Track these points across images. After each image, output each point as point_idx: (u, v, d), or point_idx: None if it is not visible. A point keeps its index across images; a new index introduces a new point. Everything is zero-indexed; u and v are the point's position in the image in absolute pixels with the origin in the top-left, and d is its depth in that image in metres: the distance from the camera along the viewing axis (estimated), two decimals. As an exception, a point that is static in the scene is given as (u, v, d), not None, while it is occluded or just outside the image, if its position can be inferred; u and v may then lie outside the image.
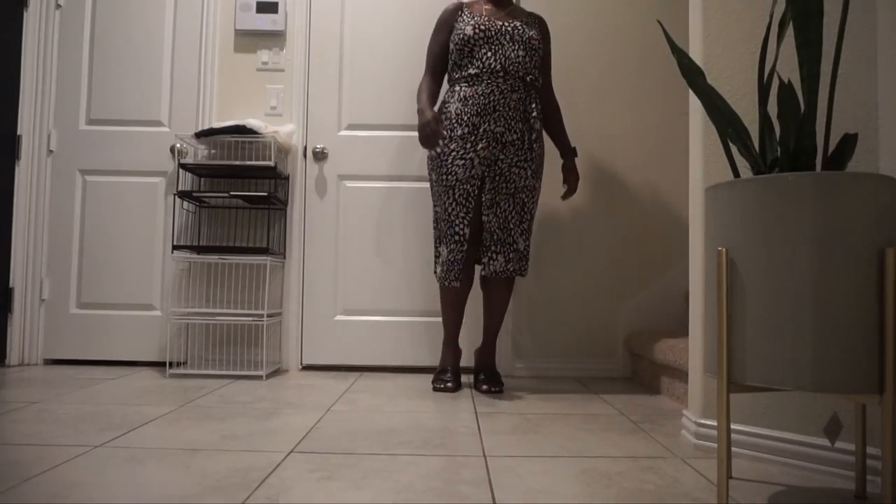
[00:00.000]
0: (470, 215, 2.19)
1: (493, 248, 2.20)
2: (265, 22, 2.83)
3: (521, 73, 2.22)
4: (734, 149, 1.53)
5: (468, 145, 2.19)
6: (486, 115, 2.19)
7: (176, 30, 2.88)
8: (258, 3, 2.83)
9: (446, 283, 2.22)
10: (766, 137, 1.17)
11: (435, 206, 2.31)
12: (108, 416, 1.79)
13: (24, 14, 2.84)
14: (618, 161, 2.83)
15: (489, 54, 2.20)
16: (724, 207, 1.11)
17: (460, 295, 2.31)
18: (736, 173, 1.20)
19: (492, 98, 2.19)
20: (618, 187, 2.82)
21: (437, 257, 2.30)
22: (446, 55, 2.34)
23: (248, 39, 2.88)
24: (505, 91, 2.20)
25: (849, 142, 1.12)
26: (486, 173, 2.20)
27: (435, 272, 2.30)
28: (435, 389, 2.29)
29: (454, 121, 2.22)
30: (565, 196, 2.44)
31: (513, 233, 2.21)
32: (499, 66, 2.19)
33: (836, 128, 1.39)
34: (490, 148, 2.18)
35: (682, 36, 2.58)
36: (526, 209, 2.24)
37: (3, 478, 1.24)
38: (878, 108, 1.36)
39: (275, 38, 2.87)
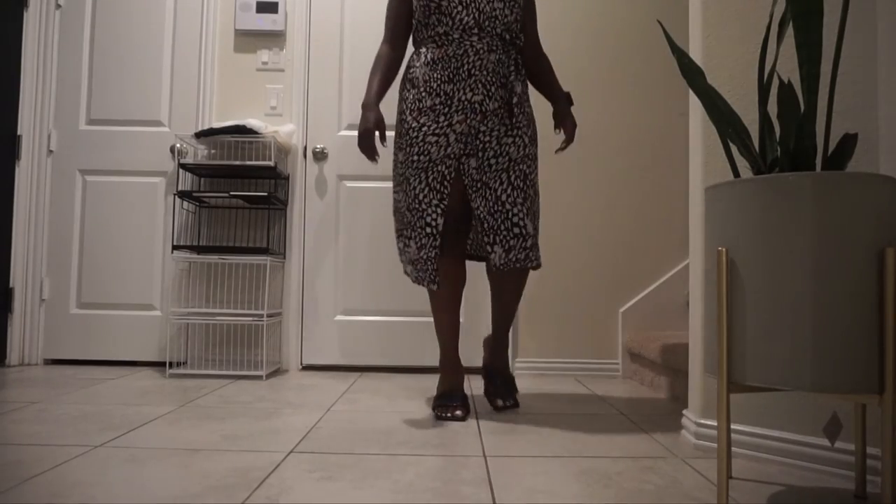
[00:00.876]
0: (444, 203, 1.81)
1: (486, 238, 1.83)
2: (265, 22, 2.83)
3: (499, 30, 1.85)
4: (734, 149, 1.53)
5: (441, 119, 1.81)
6: (460, 81, 1.82)
7: (176, 30, 2.88)
8: (258, 3, 2.83)
9: (424, 285, 1.87)
10: (766, 137, 1.17)
11: (396, 191, 1.94)
12: (108, 416, 1.79)
13: (24, 14, 2.84)
14: (618, 160, 2.83)
15: (459, 7, 1.83)
16: (724, 207, 1.11)
17: (452, 296, 1.93)
18: (736, 173, 1.20)
19: (465, 61, 1.82)
20: (618, 186, 2.82)
21: (401, 253, 1.93)
22: (410, 15, 1.95)
23: (248, 39, 2.88)
24: (481, 51, 1.83)
25: (849, 142, 1.12)
26: (463, 151, 1.82)
27: (406, 272, 1.94)
28: (438, 418, 1.84)
29: (422, 89, 1.85)
30: (561, 148, 2.02)
31: (511, 214, 1.81)
32: (472, 21, 1.82)
33: (836, 128, 1.39)
34: (468, 121, 1.81)
35: (682, 36, 2.58)
36: (529, 182, 1.86)
37: (3, 478, 1.24)
38: (878, 108, 1.36)
39: (275, 38, 2.87)
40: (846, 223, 0.99)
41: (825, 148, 1.13)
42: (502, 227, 1.82)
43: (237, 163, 2.59)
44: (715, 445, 1.51)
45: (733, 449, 1.47)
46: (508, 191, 1.82)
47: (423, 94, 1.85)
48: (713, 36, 1.57)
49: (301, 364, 2.81)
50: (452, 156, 1.82)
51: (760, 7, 1.51)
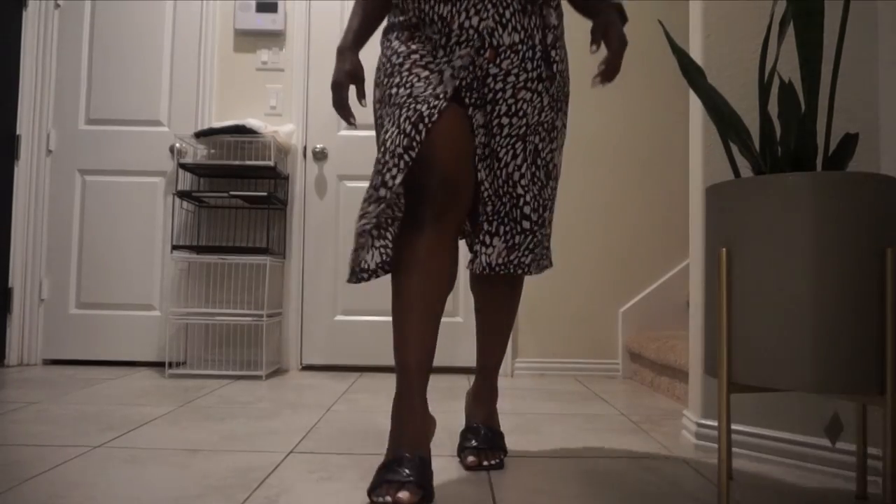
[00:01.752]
0: (411, 154, 1.19)
1: (487, 226, 1.31)
2: (265, 22, 2.83)
3: None
4: (734, 148, 1.53)
5: (440, 53, 1.27)
6: (459, 0, 1.25)
7: (175, 29, 2.88)
8: (258, 3, 2.83)
9: (351, 276, 1.23)
10: (767, 137, 1.17)
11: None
12: (107, 416, 1.79)
13: (24, 14, 2.83)
14: (618, 160, 2.83)
15: None
16: (724, 207, 1.11)
17: (429, 292, 1.22)
18: (736, 173, 1.20)
19: None
20: (618, 186, 2.82)
21: None
22: None
23: (248, 39, 2.87)
24: None
25: (849, 142, 1.12)
26: (471, 101, 1.28)
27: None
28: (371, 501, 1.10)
29: (412, 15, 1.30)
30: (602, 77, 1.31)
31: (522, 201, 1.30)
32: None
33: (836, 128, 1.39)
34: (473, 57, 1.26)
35: (683, 36, 2.58)
36: (542, 160, 1.32)
37: (3, 478, 1.24)
38: (879, 108, 1.36)
39: (274, 38, 2.87)
40: (846, 223, 0.99)
41: (826, 148, 1.12)
42: (509, 216, 1.30)
43: (237, 163, 2.58)
44: (715, 445, 1.51)
45: (734, 449, 1.47)
46: (523, 168, 1.29)
47: (415, 19, 1.30)
48: (713, 36, 1.57)
49: (301, 364, 2.81)
50: (441, 96, 1.23)
51: (761, 7, 1.51)
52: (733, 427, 1.48)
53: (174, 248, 2.56)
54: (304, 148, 2.85)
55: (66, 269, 2.84)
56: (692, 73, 1.21)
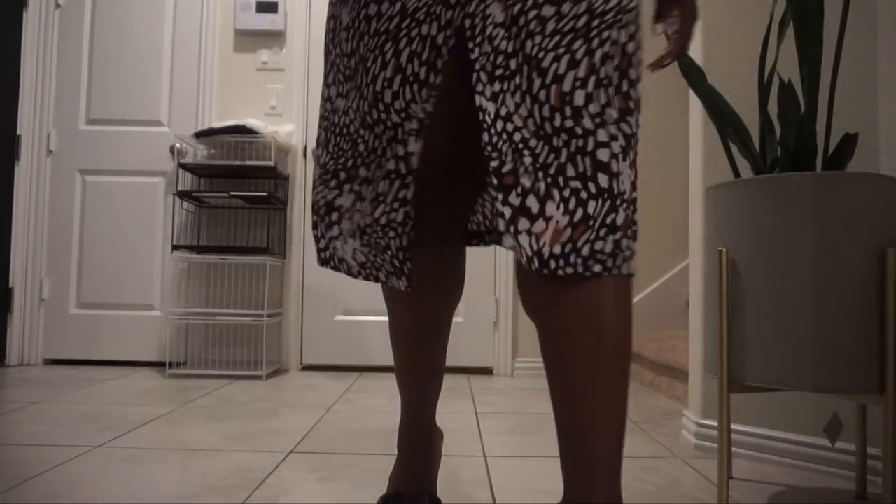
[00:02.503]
0: (428, 106, 0.78)
1: (526, 181, 0.69)
2: (265, 22, 2.83)
3: None
4: (734, 149, 1.53)
5: None
6: None
7: (176, 30, 2.88)
8: (258, 3, 2.83)
9: (382, 280, 0.89)
10: (767, 137, 1.17)
11: (329, 94, 0.90)
12: (107, 416, 1.79)
13: (24, 14, 2.84)
14: (618, 161, 2.83)
15: None
16: (724, 207, 1.11)
17: (432, 308, 0.95)
18: (736, 173, 1.20)
19: None
20: (618, 187, 2.82)
21: (323, 216, 0.89)
22: None
23: (248, 39, 2.87)
24: None
25: (849, 142, 1.12)
26: (467, 8, 0.73)
27: (330, 259, 0.92)
28: None
29: None
30: (662, 61, 0.92)
31: (589, 140, 0.69)
32: None
33: (836, 128, 1.39)
34: None
35: (682, 36, 2.58)
36: (633, 71, 0.72)
37: (3, 478, 1.24)
38: (879, 108, 1.36)
39: (275, 38, 2.87)
40: (846, 223, 0.99)
41: (825, 148, 1.13)
42: (566, 171, 0.70)
43: (237, 163, 2.58)
44: (715, 446, 1.51)
45: (734, 449, 1.47)
46: (590, 84, 0.71)
47: None
48: (713, 36, 1.57)
49: (301, 364, 2.81)
50: (440, 12, 0.76)
51: (761, 7, 1.51)
52: (733, 427, 1.48)
53: (174, 248, 2.56)
54: (305, 148, 2.85)
55: (66, 269, 2.84)
56: (692, 74, 1.21)
